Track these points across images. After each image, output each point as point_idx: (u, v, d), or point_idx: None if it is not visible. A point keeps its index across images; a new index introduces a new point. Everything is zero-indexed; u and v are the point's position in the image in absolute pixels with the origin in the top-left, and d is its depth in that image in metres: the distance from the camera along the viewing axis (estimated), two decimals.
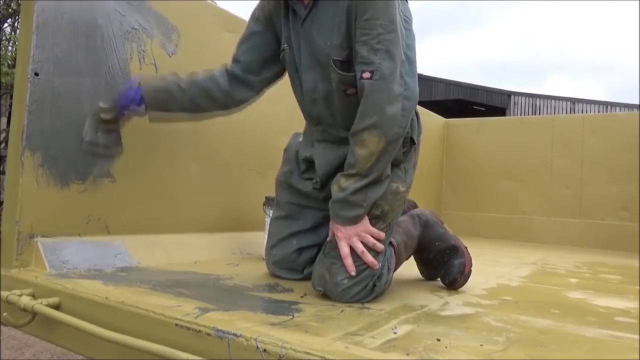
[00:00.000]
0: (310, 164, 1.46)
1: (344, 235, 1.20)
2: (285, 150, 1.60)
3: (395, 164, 1.28)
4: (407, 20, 1.25)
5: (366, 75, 1.12)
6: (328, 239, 1.29)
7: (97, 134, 1.41)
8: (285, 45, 1.37)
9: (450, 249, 1.45)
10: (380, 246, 1.21)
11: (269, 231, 1.57)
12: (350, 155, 1.18)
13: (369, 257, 1.18)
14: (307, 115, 1.41)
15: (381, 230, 1.24)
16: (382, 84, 1.12)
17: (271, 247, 1.48)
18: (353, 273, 1.17)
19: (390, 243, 1.31)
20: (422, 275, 1.57)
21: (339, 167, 1.31)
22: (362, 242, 1.19)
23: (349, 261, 1.17)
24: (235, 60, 1.48)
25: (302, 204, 1.48)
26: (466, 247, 1.47)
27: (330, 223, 1.25)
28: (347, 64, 1.21)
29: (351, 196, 1.17)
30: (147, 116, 1.57)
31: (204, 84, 1.45)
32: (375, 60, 1.12)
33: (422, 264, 1.55)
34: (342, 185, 1.18)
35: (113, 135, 1.45)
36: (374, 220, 1.24)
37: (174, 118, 1.68)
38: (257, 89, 1.53)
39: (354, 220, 1.19)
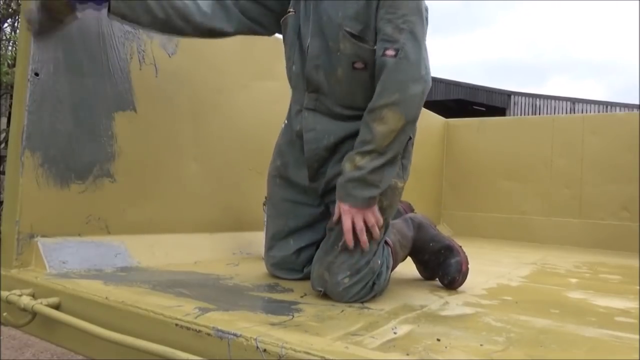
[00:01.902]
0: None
1: (349, 212, 1.15)
2: (276, 145, 1.56)
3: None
4: (426, 8, 1.25)
5: (390, 52, 1.11)
6: (328, 225, 1.28)
7: (39, 14, 1.25)
8: (292, 10, 1.35)
9: (445, 248, 1.45)
10: (377, 232, 1.18)
11: (265, 230, 1.56)
12: (367, 131, 1.14)
13: (364, 236, 1.16)
14: (306, 79, 1.32)
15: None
16: (406, 63, 1.11)
17: (269, 248, 1.47)
18: (351, 246, 1.15)
19: (387, 242, 1.31)
20: (421, 275, 1.57)
21: (326, 149, 1.28)
22: (364, 222, 1.16)
23: (349, 236, 1.15)
24: None
25: (296, 200, 1.44)
26: (460, 246, 1.48)
27: (337, 204, 1.19)
28: (359, 39, 1.19)
29: (369, 175, 1.12)
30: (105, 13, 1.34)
31: (184, 3, 1.34)
32: (400, 39, 1.12)
33: (419, 263, 1.55)
34: (357, 164, 1.13)
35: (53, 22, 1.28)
36: None
37: (135, 20, 1.36)
38: (235, 30, 1.44)
39: (368, 202, 1.15)
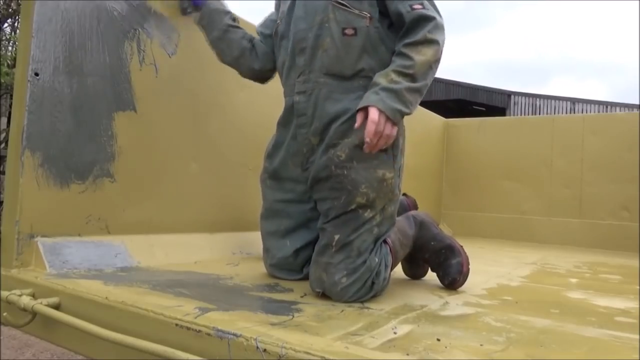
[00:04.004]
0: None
1: (377, 113, 1.16)
2: (264, 155, 1.59)
3: (382, 150, 1.25)
4: None
5: (417, 6, 1.24)
6: (319, 225, 1.30)
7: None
8: (279, 21, 1.48)
9: (446, 248, 1.45)
10: (386, 143, 1.20)
11: (260, 233, 1.56)
12: (405, 59, 1.21)
13: (382, 141, 1.18)
14: (290, 67, 1.43)
15: (372, 217, 1.25)
16: (432, 13, 1.24)
17: (266, 250, 1.48)
18: (370, 138, 1.15)
19: (385, 241, 1.31)
20: (405, 273, 1.58)
21: (315, 134, 1.35)
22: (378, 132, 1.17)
23: (373, 127, 1.15)
24: (258, 33, 1.64)
25: (287, 199, 1.46)
26: (462, 246, 1.48)
27: (360, 111, 1.20)
28: (348, 7, 1.30)
29: (404, 91, 1.19)
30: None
31: (247, 40, 1.60)
32: None
33: (407, 261, 1.55)
34: (394, 79, 1.19)
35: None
36: (361, 209, 1.24)
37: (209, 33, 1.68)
38: (274, 67, 1.60)
39: (395, 115, 1.17)
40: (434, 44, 1.22)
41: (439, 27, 1.23)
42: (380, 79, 1.21)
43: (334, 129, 1.31)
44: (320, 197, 1.33)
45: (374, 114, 1.16)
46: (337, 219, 1.26)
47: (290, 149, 1.45)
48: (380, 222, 1.27)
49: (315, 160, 1.36)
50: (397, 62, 1.22)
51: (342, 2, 1.30)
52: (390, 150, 1.29)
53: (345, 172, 1.26)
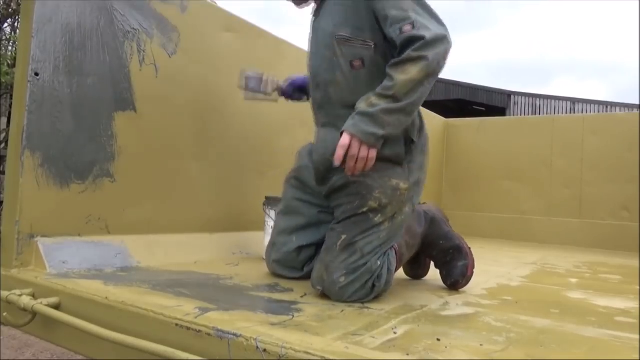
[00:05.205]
0: None
1: (350, 137, 1.17)
2: (297, 153, 1.61)
3: (397, 163, 1.29)
4: None
5: (407, 27, 1.19)
6: (331, 226, 1.31)
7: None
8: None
9: (454, 248, 1.45)
10: (363, 167, 1.19)
11: (273, 226, 1.58)
12: (388, 79, 1.19)
13: (352, 162, 1.17)
14: (313, 100, 1.46)
15: (381, 223, 1.25)
16: (422, 31, 1.18)
17: (273, 244, 1.49)
18: (338, 163, 1.16)
19: (392, 246, 1.31)
20: (406, 274, 1.58)
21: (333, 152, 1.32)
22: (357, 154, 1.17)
23: (341, 151, 1.16)
24: None
25: (306, 200, 1.48)
26: (470, 248, 1.48)
27: (344, 132, 1.20)
28: (352, 40, 1.29)
29: (379, 113, 1.17)
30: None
31: None
32: (409, 14, 1.20)
33: (409, 261, 1.54)
34: (372, 102, 1.19)
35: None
36: (372, 213, 1.25)
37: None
38: None
39: (368, 137, 1.17)
40: (421, 60, 1.17)
41: (429, 43, 1.18)
42: (361, 103, 1.21)
43: None
44: (337, 204, 1.35)
45: (344, 139, 1.17)
46: (348, 220, 1.28)
47: (312, 168, 1.47)
48: (388, 229, 1.28)
49: (332, 177, 1.36)
50: (382, 84, 1.21)
51: (344, 35, 1.29)
52: (406, 164, 1.32)
53: (361, 180, 1.27)
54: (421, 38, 1.17)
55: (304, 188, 1.49)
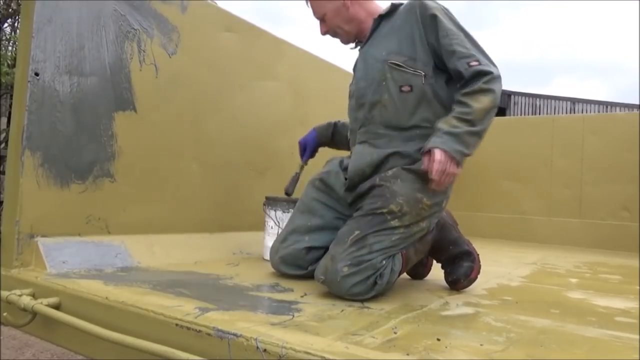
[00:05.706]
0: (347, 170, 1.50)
1: (442, 154, 1.26)
2: (329, 160, 1.64)
3: (426, 181, 1.32)
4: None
5: (474, 63, 1.34)
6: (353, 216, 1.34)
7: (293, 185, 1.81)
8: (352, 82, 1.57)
9: (463, 254, 1.48)
10: (449, 180, 1.30)
11: (286, 222, 1.58)
12: (464, 106, 1.31)
13: (447, 178, 1.28)
14: (354, 120, 1.54)
15: (396, 227, 1.28)
16: (488, 67, 1.34)
17: (283, 240, 1.49)
18: (436, 177, 1.25)
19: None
20: (407, 273, 1.58)
21: (370, 165, 1.42)
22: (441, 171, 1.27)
23: (439, 167, 1.26)
24: None
25: (326, 203, 1.50)
26: (478, 255, 1.49)
27: (426, 154, 1.30)
28: (404, 67, 1.41)
29: (464, 135, 1.28)
30: None
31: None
32: (473, 52, 1.36)
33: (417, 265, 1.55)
34: (454, 124, 1.29)
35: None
36: (390, 215, 1.28)
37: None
38: None
39: (457, 155, 1.27)
40: (490, 92, 1.31)
41: (495, 79, 1.33)
42: (443, 124, 1.30)
43: (393, 160, 1.40)
44: (359, 207, 1.37)
45: (438, 154, 1.26)
46: (364, 217, 1.31)
47: (340, 175, 1.52)
48: (401, 235, 1.30)
49: (360, 187, 1.42)
50: (457, 109, 1.31)
51: (397, 62, 1.40)
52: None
53: (388, 185, 1.33)
54: (489, 73, 1.32)
55: (328, 192, 1.51)
